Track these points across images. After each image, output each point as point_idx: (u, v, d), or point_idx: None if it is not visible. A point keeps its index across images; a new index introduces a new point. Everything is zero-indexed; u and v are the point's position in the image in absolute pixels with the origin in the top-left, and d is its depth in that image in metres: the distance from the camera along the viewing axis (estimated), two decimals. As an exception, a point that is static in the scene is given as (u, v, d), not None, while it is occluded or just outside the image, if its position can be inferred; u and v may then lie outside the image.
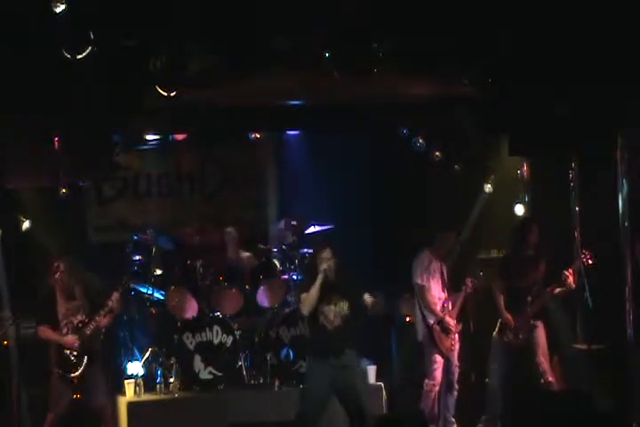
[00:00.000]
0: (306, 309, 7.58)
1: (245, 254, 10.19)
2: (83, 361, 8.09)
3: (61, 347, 8.09)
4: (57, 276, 8.19)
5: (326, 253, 7.58)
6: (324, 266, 7.50)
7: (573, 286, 8.79)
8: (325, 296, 7.53)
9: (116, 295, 8.22)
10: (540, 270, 8.91)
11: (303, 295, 7.62)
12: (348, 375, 7.57)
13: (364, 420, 7.52)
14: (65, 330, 8.15)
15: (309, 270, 7.84)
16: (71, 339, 8.09)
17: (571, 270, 8.76)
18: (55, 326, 8.15)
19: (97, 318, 8.16)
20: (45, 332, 8.16)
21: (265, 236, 10.79)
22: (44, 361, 8.25)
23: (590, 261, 8.80)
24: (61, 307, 8.19)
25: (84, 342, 8.11)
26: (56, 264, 8.24)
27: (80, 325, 8.15)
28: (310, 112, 9.33)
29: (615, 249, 8.92)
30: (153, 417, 8.91)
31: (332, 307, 7.56)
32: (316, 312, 7.56)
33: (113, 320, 8.54)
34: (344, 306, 7.60)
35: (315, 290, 7.49)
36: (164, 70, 7.80)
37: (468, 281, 9.11)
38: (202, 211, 11.22)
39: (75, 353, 8.07)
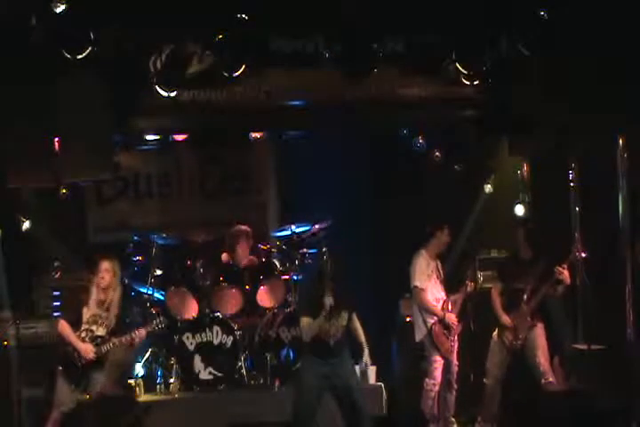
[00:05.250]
0: (308, 337, 7.59)
1: (250, 256, 10.16)
2: (89, 367, 8.05)
3: (71, 347, 8.04)
4: (100, 275, 8.10)
5: (330, 284, 7.54)
6: (330, 301, 7.48)
7: (568, 280, 8.79)
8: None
9: (142, 332, 8.12)
10: (539, 271, 8.91)
11: (305, 320, 7.59)
12: (342, 373, 7.59)
13: (359, 417, 7.54)
14: (83, 335, 8.03)
15: (311, 293, 7.76)
16: (88, 348, 7.96)
17: (565, 265, 8.76)
18: (75, 328, 8.06)
19: (116, 342, 8.05)
20: (64, 327, 8.05)
21: (265, 236, 10.78)
22: (45, 361, 8.23)
23: (583, 255, 8.81)
24: (87, 312, 8.08)
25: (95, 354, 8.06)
26: (101, 262, 8.15)
27: (99, 340, 8.04)
28: (310, 112, 9.33)
29: (615, 249, 8.92)
30: (153, 417, 8.90)
31: (333, 321, 7.57)
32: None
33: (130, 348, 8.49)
34: (344, 317, 7.62)
35: (318, 325, 7.51)
36: (164, 70, 7.81)
37: (468, 283, 9.12)
38: (202, 211, 11.23)
39: (83, 360, 8.01)
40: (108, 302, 8.11)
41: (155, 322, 8.30)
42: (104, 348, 7.99)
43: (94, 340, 8.01)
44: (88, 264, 8.41)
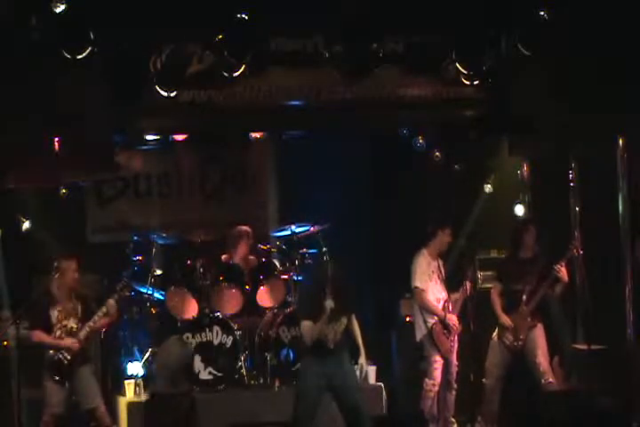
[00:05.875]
0: (309, 340, 7.57)
1: (250, 256, 10.17)
2: (76, 363, 8.08)
3: (55, 350, 8.07)
4: (67, 275, 8.16)
5: (331, 288, 7.55)
6: (330, 305, 7.48)
7: (566, 279, 8.80)
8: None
9: (110, 302, 8.19)
10: (538, 272, 8.91)
11: (306, 324, 7.55)
12: (342, 374, 7.59)
13: (359, 418, 7.54)
14: (58, 333, 8.12)
15: (311, 296, 7.72)
16: (69, 342, 8.07)
17: (562, 264, 8.77)
18: (49, 330, 8.13)
19: (91, 323, 8.14)
20: (40, 336, 8.14)
21: (265, 236, 10.78)
22: (40, 362, 8.24)
23: (581, 251, 8.82)
24: (54, 309, 8.17)
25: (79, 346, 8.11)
26: (65, 263, 8.21)
27: (74, 329, 8.12)
28: (310, 112, 9.34)
29: (615, 249, 8.92)
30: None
31: (332, 325, 7.56)
32: None
33: (111, 325, 8.52)
34: (343, 322, 7.63)
35: (319, 328, 7.49)
36: (164, 70, 7.81)
37: (467, 283, 9.12)
38: (202, 211, 11.23)
39: (68, 356, 8.06)
40: (72, 294, 8.20)
41: (118, 287, 8.34)
42: (82, 334, 8.06)
43: (70, 333, 8.08)
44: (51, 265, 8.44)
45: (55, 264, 8.33)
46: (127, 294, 8.58)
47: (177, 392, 8.91)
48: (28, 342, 8.23)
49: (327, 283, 7.51)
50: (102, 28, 7.23)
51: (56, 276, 8.23)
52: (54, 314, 8.17)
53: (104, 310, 8.16)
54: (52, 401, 8.08)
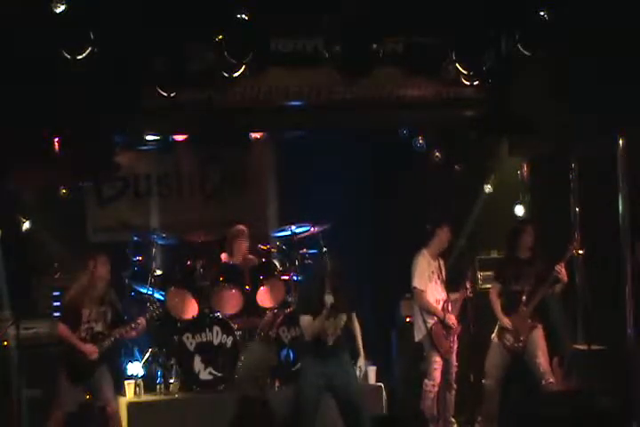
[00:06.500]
0: (310, 336, 7.61)
1: (250, 256, 10.17)
2: (94, 363, 8.08)
3: (75, 349, 8.06)
4: (103, 271, 8.17)
5: (330, 283, 7.57)
6: (330, 299, 7.50)
7: (566, 279, 8.80)
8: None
9: (142, 321, 8.23)
10: (537, 272, 8.90)
11: (306, 319, 7.62)
12: (342, 374, 7.60)
13: (359, 418, 7.55)
14: (84, 334, 8.10)
15: (311, 292, 7.80)
16: (91, 349, 8.04)
17: (562, 264, 8.77)
18: (75, 328, 8.12)
19: (117, 334, 8.14)
20: (65, 331, 8.11)
21: (265, 236, 10.78)
22: (45, 361, 8.24)
23: (580, 252, 8.82)
24: (86, 310, 8.15)
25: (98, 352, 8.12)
26: (101, 259, 8.23)
27: (100, 336, 8.11)
28: (310, 112, 9.35)
29: (615, 249, 8.92)
30: (153, 417, 8.90)
31: (332, 320, 7.59)
32: None
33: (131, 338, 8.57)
34: (343, 317, 7.65)
35: (320, 323, 7.54)
36: (164, 70, 7.81)
37: (468, 284, 9.12)
38: (202, 211, 11.22)
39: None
40: (104, 298, 8.18)
41: (151, 309, 8.36)
42: (106, 343, 8.05)
43: (95, 337, 8.07)
44: (84, 262, 8.43)
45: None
46: (158, 312, 8.64)
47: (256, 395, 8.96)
48: (53, 331, 8.22)
49: (326, 279, 7.54)
50: (102, 28, 7.24)
51: (95, 270, 8.19)
52: (85, 314, 8.15)
53: (133, 325, 8.20)
54: (65, 399, 8.08)
